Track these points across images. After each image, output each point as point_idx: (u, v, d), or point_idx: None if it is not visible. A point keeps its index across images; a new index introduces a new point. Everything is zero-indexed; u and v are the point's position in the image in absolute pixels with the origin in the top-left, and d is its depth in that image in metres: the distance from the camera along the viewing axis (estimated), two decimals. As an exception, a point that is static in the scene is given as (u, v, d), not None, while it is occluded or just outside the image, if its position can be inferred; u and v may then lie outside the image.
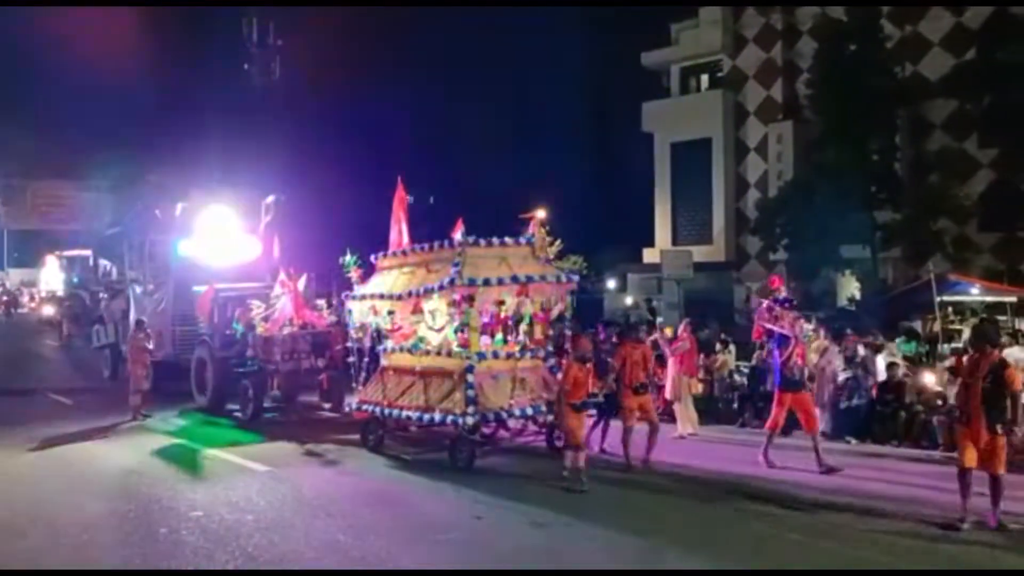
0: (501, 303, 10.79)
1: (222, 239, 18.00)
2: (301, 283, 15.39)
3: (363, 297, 12.02)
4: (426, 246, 11.37)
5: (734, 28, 30.43)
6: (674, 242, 31.17)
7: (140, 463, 11.32)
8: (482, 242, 10.73)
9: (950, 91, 24.19)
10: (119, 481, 10.25)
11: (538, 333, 11.28)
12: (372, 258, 12.29)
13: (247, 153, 24.61)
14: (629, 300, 31.37)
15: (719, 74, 31.36)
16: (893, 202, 23.51)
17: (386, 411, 11.54)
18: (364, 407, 12.03)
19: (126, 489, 9.84)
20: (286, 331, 14.82)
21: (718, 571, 7.05)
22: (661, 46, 32.59)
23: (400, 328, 11.66)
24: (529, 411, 10.76)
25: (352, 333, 13.63)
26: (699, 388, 14.24)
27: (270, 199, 18.52)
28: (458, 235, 10.65)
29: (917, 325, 18.83)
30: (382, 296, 11.57)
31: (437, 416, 10.66)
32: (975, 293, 18.93)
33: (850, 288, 26.60)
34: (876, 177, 23.29)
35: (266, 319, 14.83)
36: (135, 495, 9.50)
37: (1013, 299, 18.04)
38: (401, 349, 11.67)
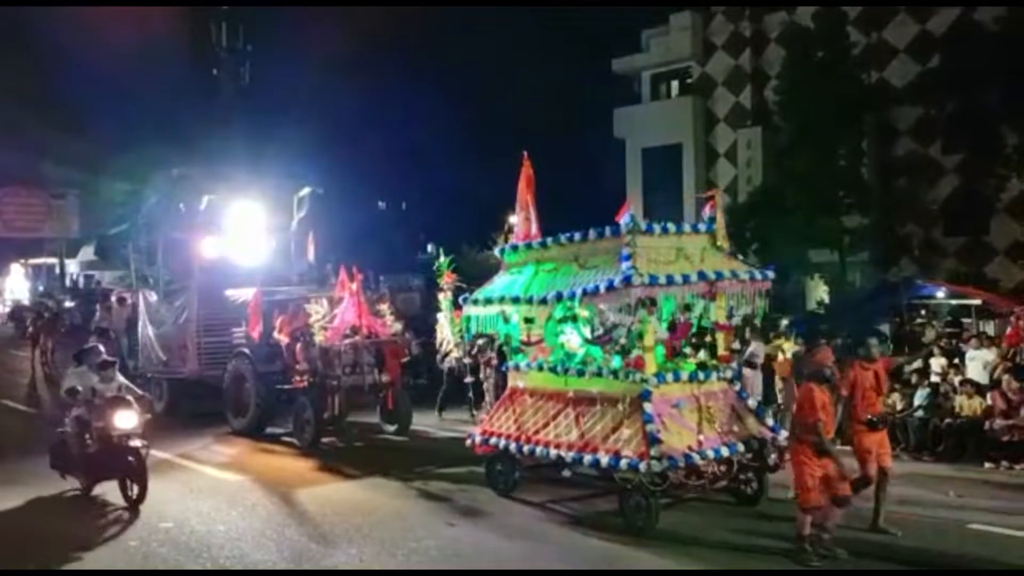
0: (687, 308, 8.54)
1: (251, 237, 15.42)
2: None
3: (489, 301, 9.36)
4: (576, 235, 8.82)
5: (703, 35, 29.21)
6: None
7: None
8: (656, 229, 8.28)
9: (915, 97, 23.69)
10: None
11: (722, 346, 8.70)
12: (497, 252, 10.11)
13: (276, 144, 22.00)
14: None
15: (689, 80, 30.12)
16: (860, 207, 22.62)
17: (524, 447, 8.84)
18: (491, 440, 9.28)
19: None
20: (347, 341, 12.24)
21: (718, 571, 6.88)
22: (632, 52, 31.22)
23: (540, 340, 9.14)
24: (724, 452, 8.02)
25: (462, 346, 12.29)
26: None
27: (304, 192, 15.81)
28: (626, 218, 8.16)
29: (886, 328, 19.15)
30: (517, 299, 8.92)
31: (604, 459, 7.92)
32: (941, 296, 19.25)
33: (819, 292, 26.94)
34: (844, 182, 22.36)
35: (325, 327, 12.29)
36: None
37: (978, 302, 18.34)
38: (541, 367, 8.97)
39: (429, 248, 22.36)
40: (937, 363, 13.11)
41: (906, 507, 8.64)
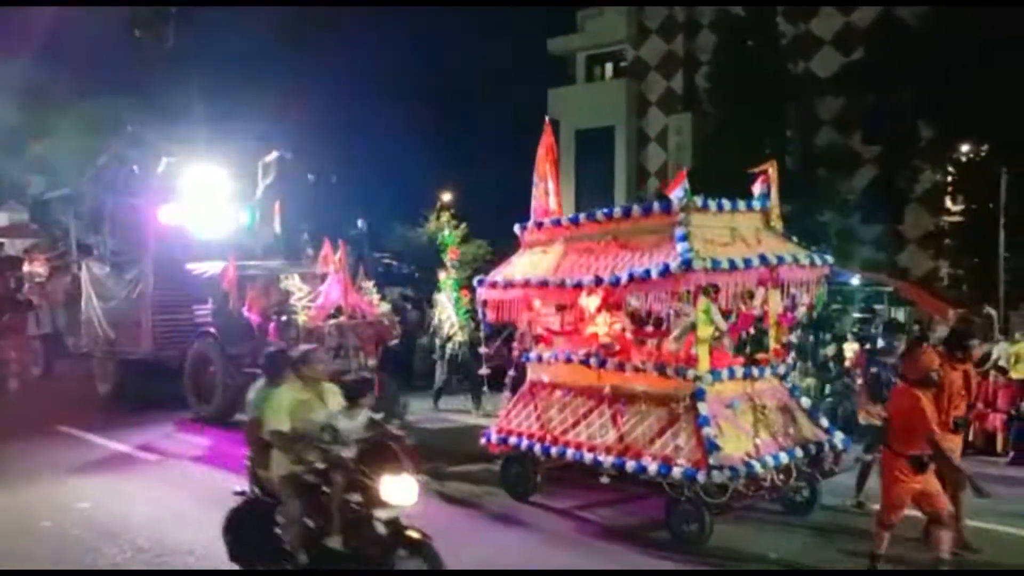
0: (750, 296, 7.49)
1: (212, 206, 13.76)
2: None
3: (510, 285, 8.07)
4: (615, 211, 7.67)
5: (638, 18, 28.84)
6: None
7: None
8: (711, 205, 7.27)
9: (838, 89, 23.89)
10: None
11: (774, 340, 7.58)
12: (517, 229, 8.65)
13: (238, 102, 21.66)
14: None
15: (623, 63, 29.79)
16: (783, 194, 25.27)
17: (550, 448, 7.65)
18: (509, 439, 8.09)
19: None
20: (331, 322, 10.87)
21: (718, 571, 6.50)
22: (567, 32, 30.89)
23: (575, 329, 7.96)
24: (783, 458, 6.99)
25: (467, 329, 11.87)
26: None
27: (271, 157, 14.24)
28: (678, 192, 7.12)
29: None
30: (545, 283, 7.68)
31: (652, 466, 6.81)
32: (855, 283, 19.99)
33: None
34: None
35: (308, 306, 11.03)
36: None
37: (890, 289, 19.06)
38: (569, 359, 7.81)
39: (359, 223, 21.88)
40: (850, 348, 13.61)
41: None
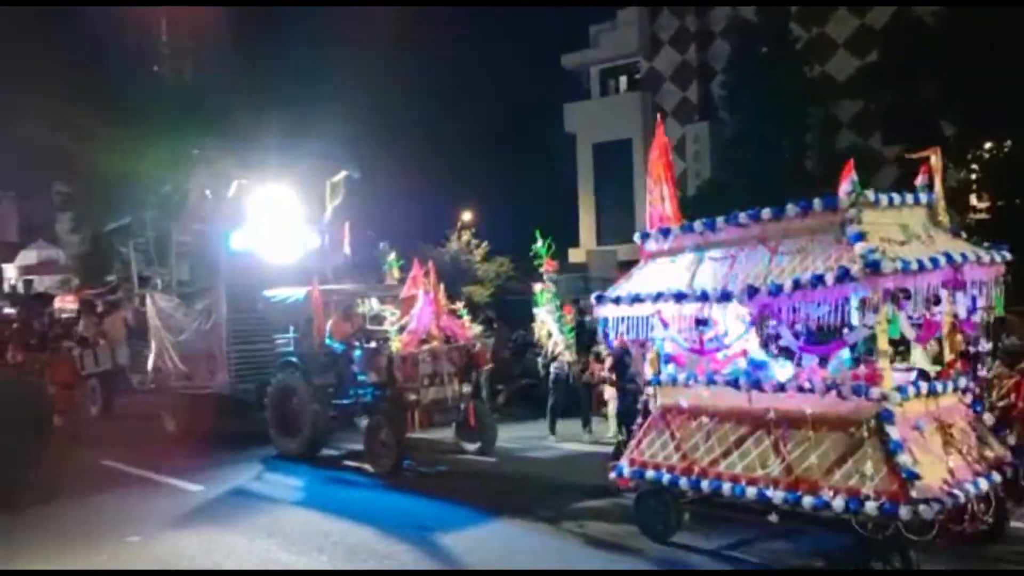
0: (936, 300, 6.34)
1: (281, 228, 12.99)
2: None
3: (638, 299, 7.07)
4: (764, 212, 6.71)
5: (650, 30, 28.52)
6: (599, 242, 28.95)
7: None
8: (881, 200, 6.28)
9: (856, 91, 23.54)
10: None
11: (950, 349, 6.71)
12: (637, 238, 7.70)
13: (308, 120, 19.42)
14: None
15: (637, 76, 29.40)
16: (806, 198, 25.23)
17: (698, 481, 6.63)
18: (645, 473, 7.07)
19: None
20: (425, 347, 9.99)
21: (719, 571, 6.39)
22: (580, 48, 30.59)
23: (718, 348, 6.95)
24: (983, 485, 6.09)
25: (573, 348, 10.90)
26: None
27: (339, 176, 13.55)
28: (847, 186, 6.19)
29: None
30: (682, 296, 6.72)
31: (836, 501, 5.83)
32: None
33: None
34: (789, 175, 22.09)
35: (400, 331, 10.08)
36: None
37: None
38: (712, 381, 6.82)
39: (380, 245, 21.93)
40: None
41: None
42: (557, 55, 31.17)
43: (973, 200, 22.36)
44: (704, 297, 6.62)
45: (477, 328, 11.13)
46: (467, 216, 31.85)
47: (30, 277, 38.79)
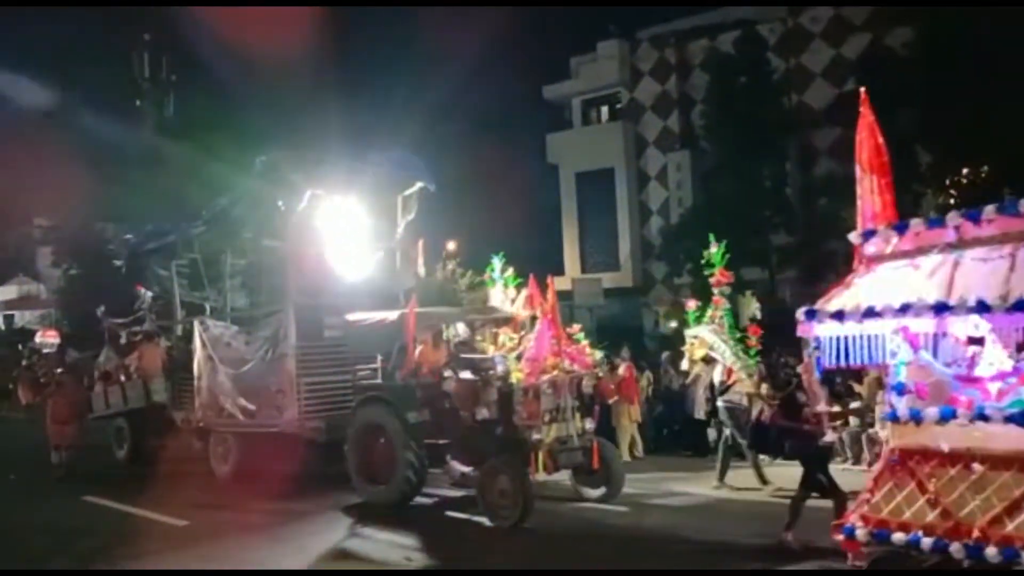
0: None
1: (351, 245, 11.40)
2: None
3: (869, 314, 5.65)
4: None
5: (631, 61, 28.40)
6: (583, 270, 28.58)
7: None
8: None
9: (833, 119, 23.65)
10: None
11: None
12: (854, 238, 6.46)
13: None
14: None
15: (618, 106, 29.22)
16: (786, 226, 22.73)
17: (980, 549, 5.19)
18: (891, 535, 5.63)
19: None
20: (545, 378, 8.39)
21: (719, 571, 6.29)
22: (561, 79, 30.50)
23: (1001, 376, 5.44)
24: None
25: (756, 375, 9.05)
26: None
27: (413, 189, 11.87)
28: None
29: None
30: (943, 309, 5.30)
31: None
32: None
33: (752, 309, 27.75)
34: (769, 203, 22.45)
35: (518, 359, 8.61)
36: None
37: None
38: (980, 417, 5.34)
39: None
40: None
41: None
42: (538, 87, 31.48)
43: (951, 225, 22.61)
44: (983, 308, 5.07)
45: (598, 354, 9.61)
46: (451, 246, 31.97)
47: (10, 312, 38.34)
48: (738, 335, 9.67)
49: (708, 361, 10.03)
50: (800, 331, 6.29)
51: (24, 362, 18.36)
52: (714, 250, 9.73)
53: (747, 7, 25.59)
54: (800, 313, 6.35)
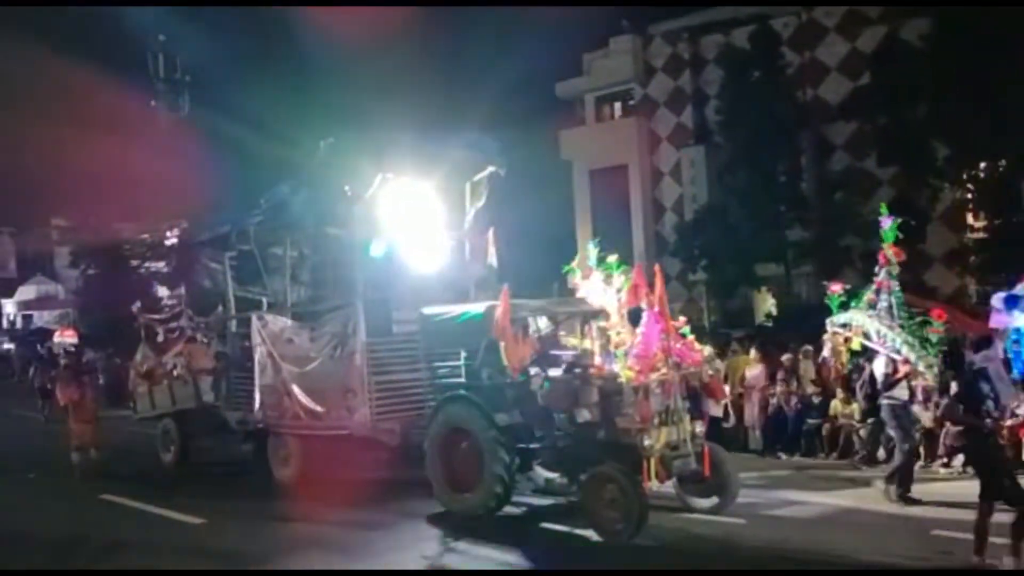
0: None
1: (421, 234, 10.67)
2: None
3: None
4: None
5: (643, 57, 28.15)
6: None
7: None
8: None
9: (849, 113, 23.70)
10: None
11: None
12: None
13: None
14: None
15: (631, 102, 29.01)
16: (802, 221, 22.56)
17: None
18: None
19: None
20: (654, 376, 7.75)
21: (719, 571, 6.32)
22: (574, 76, 30.29)
23: None
24: None
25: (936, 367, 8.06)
26: None
27: (483, 174, 11.25)
28: None
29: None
30: None
31: None
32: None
33: (767, 305, 27.56)
34: (784, 198, 22.33)
35: (626, 355, 7.92)
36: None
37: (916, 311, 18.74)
38: None
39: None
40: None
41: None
42: (551, 83, 31.38)
43: (970, 219, 22.48)
44: None
45: (708, 350, 8.89)
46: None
47: (29, 312, 38.77)
48: (915, 321, 8.60)
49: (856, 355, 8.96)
50: (994, 321, 5.58)
51: (63, 361, 17.61)
52: (887, 224, 8.69)
53: (760, 5, 25.42)
54: (997, 299, 5.68)
